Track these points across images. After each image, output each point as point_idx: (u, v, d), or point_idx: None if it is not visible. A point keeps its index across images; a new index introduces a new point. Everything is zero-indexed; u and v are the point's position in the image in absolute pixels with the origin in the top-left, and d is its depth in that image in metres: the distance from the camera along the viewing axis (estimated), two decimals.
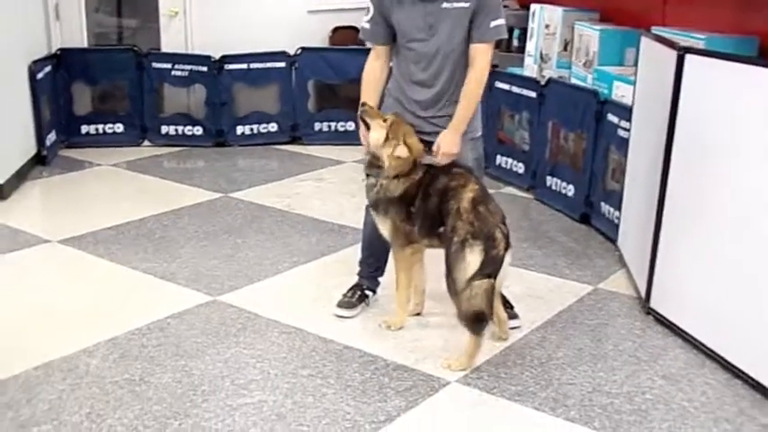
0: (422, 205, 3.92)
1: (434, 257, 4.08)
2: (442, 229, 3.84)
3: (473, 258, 3.70)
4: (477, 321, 3.75)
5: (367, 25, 4.08)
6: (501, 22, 3.91)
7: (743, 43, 5.01)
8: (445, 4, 3.85)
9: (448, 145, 3.92)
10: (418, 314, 4.33)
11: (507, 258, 3.83)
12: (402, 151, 3.91)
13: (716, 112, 3.84)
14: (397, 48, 4.07)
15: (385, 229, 4.06)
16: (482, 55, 3.92)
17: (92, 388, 3.58)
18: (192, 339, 4.04)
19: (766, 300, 3.56)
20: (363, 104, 4.03)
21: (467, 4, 3.83)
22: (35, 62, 6.87)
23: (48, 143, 7.06)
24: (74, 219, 5.73)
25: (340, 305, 4.34)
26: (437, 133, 3.99)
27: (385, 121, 3.95)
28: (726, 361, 3.84)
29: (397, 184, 3.95)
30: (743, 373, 3.74)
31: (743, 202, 3.68)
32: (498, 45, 7.19)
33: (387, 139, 3.92)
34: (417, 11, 3.88)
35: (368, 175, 4.06)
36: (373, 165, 4.01)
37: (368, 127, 3.99)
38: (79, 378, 3.66)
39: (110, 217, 5.73)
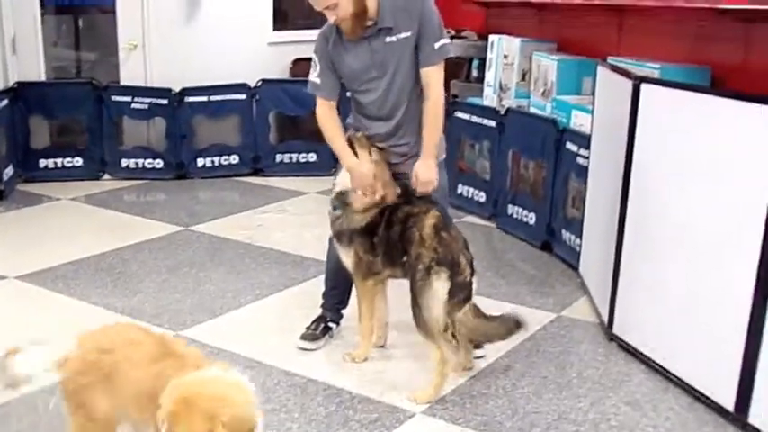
0: (384, 234, 3.92)
1: (396, 288, 4.08)
2: (405, 258, 3.85)
3: (440, 285, 3.71)
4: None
5: (317, 80, 4.05)
6: (445, 41, 3.95)
7: (696, 72, 5.11)
8: (388, 39, 3.87)
9: (425, 173, 3.94)
10: (381, 346, 4.32)
11: (474, 284, 3.85)
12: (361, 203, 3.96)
13: (672, 139, 3.90)
14: (351, 93, 4.09)
15: (348, 259, 4.05)
16: (434, 77, 3.94)
17: (53, 423, 3.50)
18: None
19: (726, 324, 3.60)
20: (357, 129, 4.06)
21: (408, 33, 3.86)
22: None
23: (5, 178, 6.96)
24: (32, 254, 5.65)
25: (303, 338, 4.32)
26: (402, 164, 4.02)
27: (371, 155, 3.96)
28: (688, 385, 3.87)
29: (363, 216, 3.96)
30: (705, 397, 3.77)
31: (700, 227, 3.73)
32: (458, 75, 7.29)
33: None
34: (364, 51, 3.91)
35: (334, 207, 4.07)
36: (340, 200, 4.02)
37: (355, 153, 4.00)
38: (38, 417, 3.59)
39: (69, 252, 5.65)
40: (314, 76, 4.06)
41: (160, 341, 2.77)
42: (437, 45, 3.91)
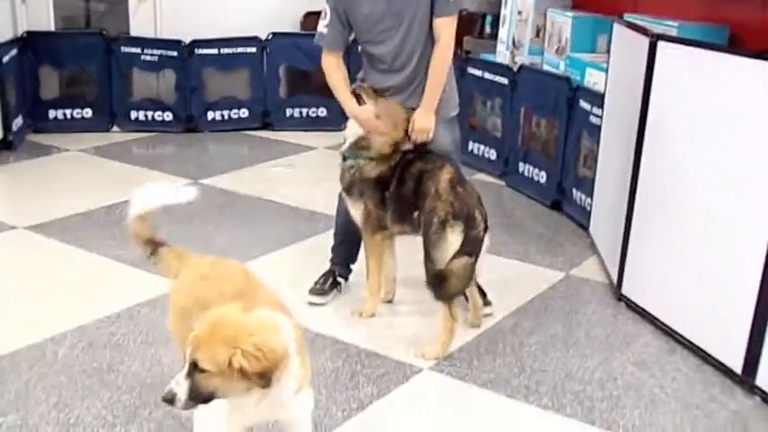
0: (396, 190, 3.90)
1: (405, 243, 4.06)
2: (416, 214, 3.83)
3: (454, 238, 3.70)
4: (457, 284, 3.73)
5: (324, 30, 4.01)
6: None
7: (714, 31, 5.03)
8: None
9: (421, 120, 3.93)
10: (389, 301, 4.32)
11: (486, 241, 3.84)
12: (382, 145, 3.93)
13: (687, 99, 3.84)
14: (361, 44, 4.04)
15: (357, 213, 4.04)
16: (446, 29, 3.92)
17: (59, 377, 3.53)
18: (163, 327, 3.97)
19: (736, 286, 3.58)
20: (363, 80, 4.04)
21: None
22: (0, 45, 6.74)
23: (14, 128, 6.94)
24: (41, 205, 5.65)
25: (312, 292, 4.32)
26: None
27: (376, 104, 3.95)
28: (696, 347, 3.86)
29: (374, 166, 3.94)
30: (713, 359, 3.76)
31: (714, 189, 3.70)
32: (471, 31, 7.21)
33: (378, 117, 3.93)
34: (380, 0, 3.86)
35: (345, 158, 4.04)
36: (359, 146, 3.99)
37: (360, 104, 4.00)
38: (47, 367, 3.61)
39: (78, 203, 5.65)
40: (322, 26, 4.02)
41: (248, 283, 2.89)
42: None
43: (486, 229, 3.83)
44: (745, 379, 3.59)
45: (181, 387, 2.36)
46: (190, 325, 2.54)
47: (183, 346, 2.56)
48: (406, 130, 3.96)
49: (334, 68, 4.05)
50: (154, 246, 3.26)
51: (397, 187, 3.90)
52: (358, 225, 4.08)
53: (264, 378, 2.34)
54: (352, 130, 4.04)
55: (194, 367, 2.35)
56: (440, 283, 3.70)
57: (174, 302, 2.93)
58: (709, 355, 3.79)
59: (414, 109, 3.99)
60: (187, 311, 2.75)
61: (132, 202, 3.28)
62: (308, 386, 2.64)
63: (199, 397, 2.39)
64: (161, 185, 3.35)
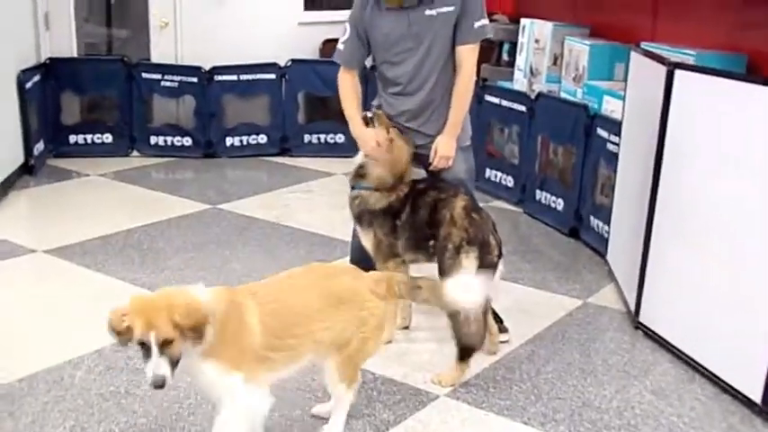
0: (410, 218, 3.91)
1: (422, 271, 4.06)
2: (431, 243, 3.84)
3: (469, 264, 3.70)
4: (469, 349, 3.77)
5: (342, 47, 4.07)
6: (485, 21, 3.93)
7: (732, 60, 5.03)
8: (428, 11, 3.85)
9: (444, 147, 3.95)
10: (406, 327, 4.31)
11: (500, 267, 3.84)
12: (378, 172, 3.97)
13: (705, 127, 3.84)
14: (378, 65, 4.08)
15: (367, 241, 4.05)
16: (468, 56, 3.94)
17: (76, 400, 3.54)
18: None
19: (755, 314, 3.55)
20: (379, 107, 4.08)
21: (451, 8, 3.85)
22: (24, 71, 6.84)
23: (35, 153, 7.02)
24: (61, 229, 5.69)
25: None
26: (428, 145, 4.00)
27: (388, 133, 3.96)
28: (715, 376, 3.83)
29: (379, 197, 3.96)
30: (732, 388, 3.73)
31: (732, 216, 3.68)
32: (488, 59, 7.24)
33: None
34: (401, 20, 3.88)
35: (352, 187, 4.07)
36: (358, 174, 4.02)
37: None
38: (64, 390, 3.62)
39: (97, 227, 5.69)
40: (341, 42, 4.07)
41: None
42: (477, 24, 3.89)
43: (500, 255, 3.83)
44: (765, 409, 3.56)
45: (162, 367, 2.65)
46: None
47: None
48: (403, 172, 3.98)
49: (347, 85, 4.09)
50: None
51: (410, 216, 3.91)
52: (369, 253, 4.09)
53: (197, 331, 2.69)
54: (357, 158, 4.08)
55: (161, 345, 2.64)
56: (463, 341, 3.74)
57: None
58: (728, 385, 3.76)
59: (430, 136, 4.01)
60: None
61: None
62: (238, 372, 2.85)
63: (174, 368, 2.70)
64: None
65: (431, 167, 4.02)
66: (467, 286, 3.31)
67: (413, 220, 3.90)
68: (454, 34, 3.90)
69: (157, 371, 2.64)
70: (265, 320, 2.91)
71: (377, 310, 3.17)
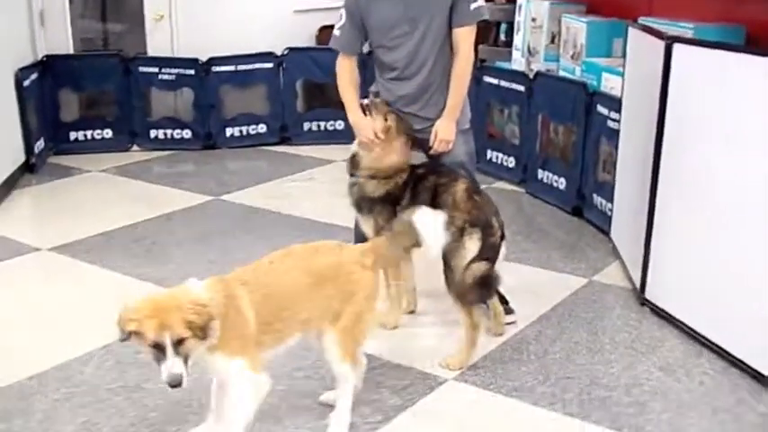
0: (410, 204, 3.90)
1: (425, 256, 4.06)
2: None
3: (472, 245, 3.71)
4: (477, 288, 3.74)
5: (338, 33, 4.06)
6: (481, 3, 3.92)
7: (730, 32, 5.01)
8: None
9: (444, 131, 3.95)
10: (412, 312, 4.31)
11: (502, 249, 3.84)
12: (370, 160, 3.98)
13: (705, 100, 3.83)
14: (375, 50, 4.06)
15: (368, 228, 4.04)
16: (466, 39, 3.93)
17: (86, 396, 3.55)
18: None
19: (762, 287, 3.55)
20: (377, 94, 4.06)
21: None
22: (21, 69, 6.83)
23: (36, 151, 7.02)
24: (64, 226, 5.70)
25: None
26: (427, 129, 3.99)
27: (386, 120, 3.95)
28: (723, 350, 3.83)
29: (377, 184, 3.96)
30: (740, 361, 3.73)
31: (735, 189, 3.67)
32: (486, 39, 7.21)
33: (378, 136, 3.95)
34: (396, 5, 3.87)
35: (351, 175, 4.07)
36: (353, 163, 4.02)
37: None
38: (74, 387, 3.63)
39: (100, 223, 5.69)
40: (336, 29, 4.06)
41: None
42: (473, 6, 3.88)
43: (502, 236, 3.83)
44: None
45: (177, 366, 2.67)
46: None
47: None
48: (401, 162, 3.97)
49: (345, 71, 4.08)
50: None
51: (410, 202, 3.90)
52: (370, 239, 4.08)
53: (207, 328, 2.73)
54: (353, 146, 4.08)
55: (176, 344, 2.67)
56: (461, 290, 3.72)
57: None
58: (736, 358, 3.76)
59: (429, 120, 4.00)
60: None
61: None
62: (241, 358, 2.91)
63: (187, 364, 2.72)
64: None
65: (431, 151, 4.01)
66: (430, 218, 3.31)
67: (413, 205, 3.89)
68: (450, 17, 3.88)
69: (174, 370, 2.67)
70: (257, 308, 2.96)
71: (363, 281, 3.19)
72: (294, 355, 3.89)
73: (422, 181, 3.91)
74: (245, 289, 2.98)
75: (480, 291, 3.76)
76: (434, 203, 3.82)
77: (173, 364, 2.67)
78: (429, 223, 3.26)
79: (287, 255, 3.22)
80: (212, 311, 2.76)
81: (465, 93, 4.01)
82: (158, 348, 2.69)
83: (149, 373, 3.73)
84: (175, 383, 2.68)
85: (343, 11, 4.02)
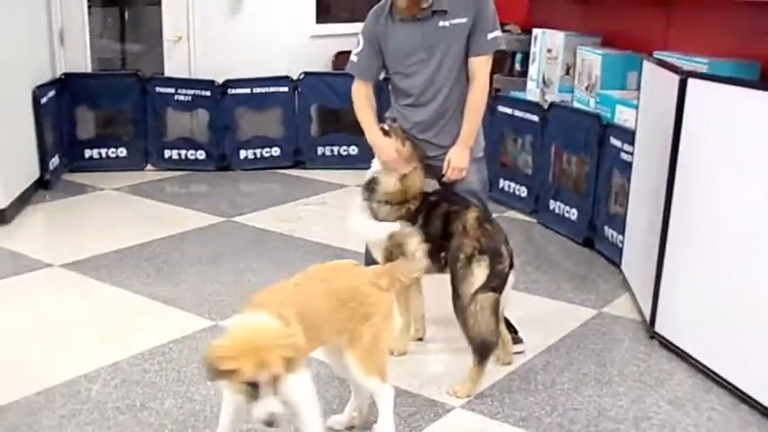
0: (422, 231, 3.90)
1: (437, 282, 4.06)
2: (443, 254, 3.84)
3: (480, 272, 3.71)
4: (484, 348, 3.74)
5: (355, 58, 4.09)
6: (498, 33, 3.95)
7: (745, 67, 5.02)
8: (441, 23, 3.87)
9: (457, 159, 3.96)
10: (420, 339, 4.30)
11: (511, 278, 3.84)
12: (388, 185, 3.98)
13: (718, 134, 3.83)
14: (391, 76, 4.09)
15: (378, 254, 4.04)
16: (482, 68, 3.95)
17: (93, 413, 3.56)
18: (194, 365, 4.02)
19: None
20: (395, 120, 4.08)
21: (464, 20, 3.86)
22: (39, 87, 6.90)
23: (51, 167, 7.07)
24: (76, 243, 5.72)
25: None
26: (440, 156, 4.01)
27: (404, 145, 3.97)
28: (732, 385, 3.81)
29: (389, 211, 3.97)
30: (749, 397, 3.71)
31: (748, 224, 3.67)
32: (501, 69, 7.24)
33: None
34: (414, 32, 3.90)
35: (365, 199, 4.08)
36: (369, 187, 4.04)
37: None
38: (80, 403, 3.64)
39: (112, 241, 5.72)
40: (354, 54, 4.09)
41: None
42: (490, 36, 3.91)
43: (511, 265, 3.83)
44: None
45: (273, 404, 2.61)
46: None
47: None
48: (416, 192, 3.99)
49: (360, 95, 4.11)
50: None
51: (422, 228, 3.90)
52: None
53: (296, 362, 2.71)
54: (371, 169, 4.09)
55: (271, 381, 2.61)
56: (476, 341, 3.74)
57: None
58: (746, 394, 3.73)
59: (443, 147, 4.01)
60: None
61: None
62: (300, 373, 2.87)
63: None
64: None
65: (444, 179, 4.02)
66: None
67: (425, 232, 3.89)
68: (467, 46, 3.91)
69: (272, 408, 2.61)
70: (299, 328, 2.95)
71: (380, 303, 3.20)
72: None
73: (435, 208, 3.92)
74: (289, 311, 2.94)
75: (487, 321, 3.76)
76: (445, 231, 3.84)
77: (269, 403, 2.60)
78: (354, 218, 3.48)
79: (310, 277, 3.21)
80: (300, 344, 2.74)
81: (479, 121, 4.03)
82: (252, 386, 2.61)
83: (156, 392, 3.75)
84: (271, 422, 2.60)
85: (360, 36, 4.05)
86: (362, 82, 4.10)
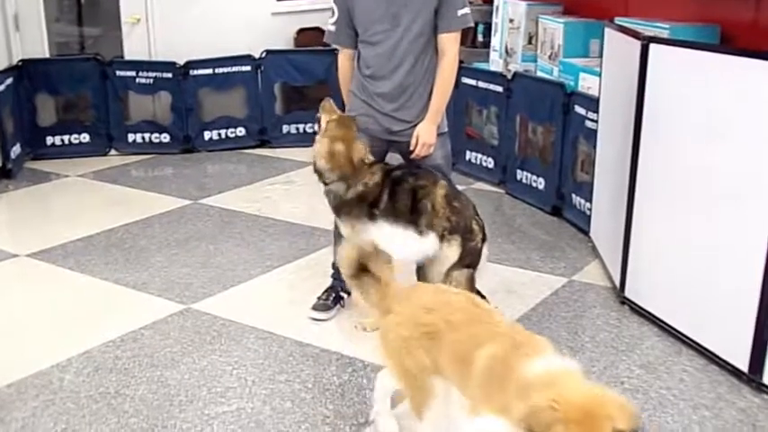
0: (390, 206, 3.89)
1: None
2: (413, 230, 3.83)
3: (451, 252, 3.73)
4: None
5: (332, 28, 4.09)
6: (467, 10, 3.93)
7: (705, 31, 5.05)
8: None
9: (426, 134, 3.95)
10: None
11: (485, 251, 3.85)
12: (323, 146, 3.97)
13: (681, 99, 3.86)
14: (358, 44, 4.07)
15: (346, 231, 4.03)
16: (451, 45, 3.94)
17: (66, 403, 3.53)
18: (167, 349, 4.00)
19: (740, 284, 3.58)
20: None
21: None
22: None
23: (12, 156, 6.95)
24: (42, 232, 5.65)
25: (315, 308, 4.32)
26: (405, 131, 3.99)
27: (332, 117, 3.98)
28: (702, 347, 3.86)
29: (346, 187, 3.95)
30: (719, 358, 3.76)
31: (712, 187, 3.70)
32: (463, 41, 7.22)
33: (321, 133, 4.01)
34: (380, 1, 3.87)
35: (324, 184, 4.06)
36: (314, 168, 4.04)
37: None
38: (53, 394, 3.60)
39: (79, 228, 5.65)
40: (330, 24, 4.10)
41: (473, 304, 2.93)
42: (460, 12, 3.91)
43: (484, 239, 3.84)
44: (752, 377, 3.60)
45: None
46: (416, 356, 2.83)
47: (408, 377, 2.88)
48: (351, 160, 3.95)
49: (342, 68, 4.19)
50: (362, 272, 3.13)
51: (388, 203, 3.89)
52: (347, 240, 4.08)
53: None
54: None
55: None
56: None
57: (396, 335, 2.97)
58: (715, 355, 3.79)
59: (406, 122, 4.00)
60: (411, 342, 2.89)
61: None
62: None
63: None
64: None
65: (412, 155, 4.00)
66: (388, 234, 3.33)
67: (392, 207, 3.89)
68: (436, 22, 3.89)
69: None
70: None
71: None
72: (276, 358, 3.89)
73: (400, 183, 3.91)
74: None
75: None
76: (413, 207, 3.83)
77: None
78: (390, 238, 3.21)
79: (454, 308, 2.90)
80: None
81: (448, 97, 4.02)
82: None
83: (129, 379, 3.73)
84: None
85: (334, 6, 4.05)
86: (345, 51, 4.12)
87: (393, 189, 3.90)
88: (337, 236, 4.31)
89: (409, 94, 3.98)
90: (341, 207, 4.01)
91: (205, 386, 3.65)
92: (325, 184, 4.05)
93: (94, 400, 3.56)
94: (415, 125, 3.98)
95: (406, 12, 3.86)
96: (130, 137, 7.74)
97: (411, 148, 3.98)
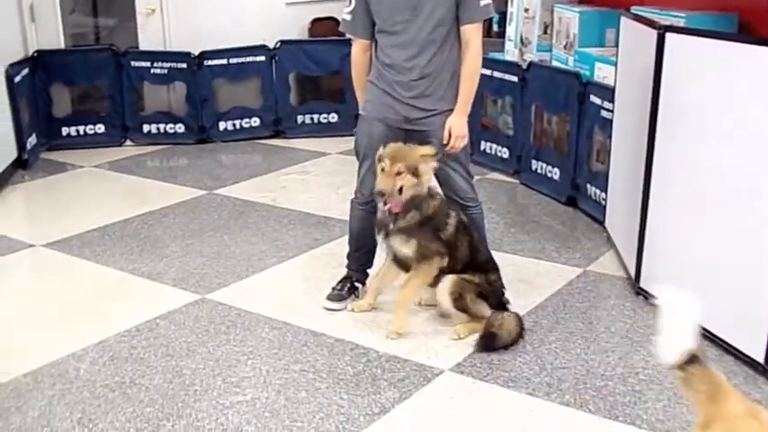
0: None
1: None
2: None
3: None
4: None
5: (348, 17, 4.07)
6: (489, 0, 3.91)
7: (723, 20, 5.01)
8: None
9: (458, 127, 3.97)
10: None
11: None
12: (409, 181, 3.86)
13: (698, 88, 3.83)
14: (377, 35, 4.05)
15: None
16: (475, 35, 3.95)
17: (82, 392, 3.55)
18: (182, 339, 4.01)
19: (757, 275, 3.56)
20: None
21: None
22: (12, 65, 6.79)
23: (28, 147, 6.99)
24: (58, 222, 5.68)
25: (330, 298, 4.32)
26: (423, 119, 3.98)
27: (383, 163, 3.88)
28: (717, 338, 3.84)
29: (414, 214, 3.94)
30: (734, 349, 3.74)
31: (727, 176, 3.68)
32: None
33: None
34: None
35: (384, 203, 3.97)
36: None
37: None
38: (69, 383, 3.63)
39: (94, 219, 5.68)
40: (346, 13, 4.08)
41: None
42: (483, 2, 3.91)
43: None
44: None
45: None
46: None
47: None
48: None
49: (356, 59, 4.16)
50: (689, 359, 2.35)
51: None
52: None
53: None
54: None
55: None
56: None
57: None
58: (731, 346, 3.77)
59: (425, 110, 3.99)
60: None
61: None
62: None
63: None
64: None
65: (447, 148, 3.97)
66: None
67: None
68: (458, 13, 3.89)
69: None
70: None
71: None
72: (290, 348, 3.90)
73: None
74: None
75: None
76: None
77: None
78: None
79: None
80: None
81: (475, 88, 4.02)
82: None
83: (144, 368, 3.75)
84: None
85: None
86: (360, 41, 4.10)
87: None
88: (353, 230, 4.29)
89: (429, 82, 3.97)
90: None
91: (220, 376, 3.67)
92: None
93: (110, 389, 3.58)
94: (433, 114, 3.98)
95: (426, 3, 3.85)
96: (145, 127, 7.76)
97: (444, 142, 3.96)
